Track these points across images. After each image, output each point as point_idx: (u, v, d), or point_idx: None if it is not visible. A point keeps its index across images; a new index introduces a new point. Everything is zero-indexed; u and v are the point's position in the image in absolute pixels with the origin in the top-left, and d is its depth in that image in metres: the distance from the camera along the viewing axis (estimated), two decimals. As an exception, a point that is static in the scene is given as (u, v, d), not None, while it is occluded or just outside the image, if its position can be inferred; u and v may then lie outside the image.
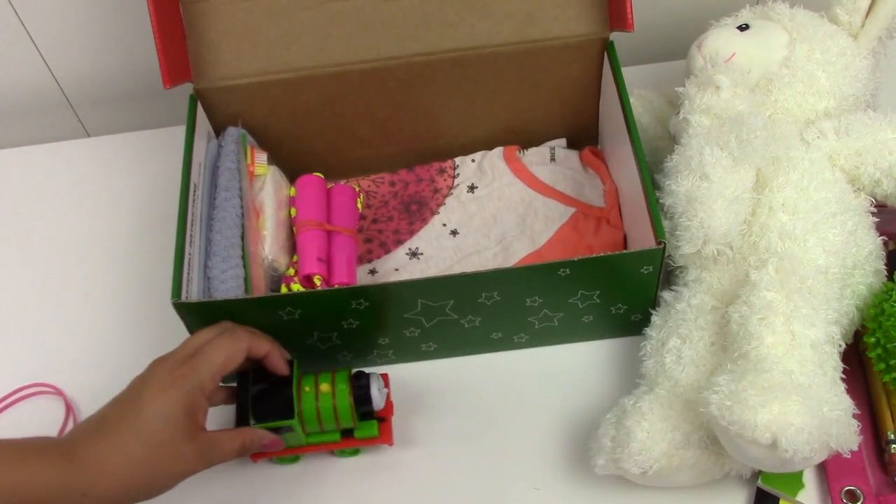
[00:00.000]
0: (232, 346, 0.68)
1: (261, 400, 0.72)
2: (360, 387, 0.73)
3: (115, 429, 0.63)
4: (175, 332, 0.77)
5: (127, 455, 0.63)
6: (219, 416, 0.75)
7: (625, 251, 0.78)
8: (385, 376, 0.78)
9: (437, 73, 0.87)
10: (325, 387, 0.73)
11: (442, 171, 0.94)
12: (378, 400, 0.74)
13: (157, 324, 0.87)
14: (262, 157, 0.87)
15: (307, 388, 0.73)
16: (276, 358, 0.72)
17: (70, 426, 0.83)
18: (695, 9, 0.98)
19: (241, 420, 0.72)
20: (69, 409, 0.83)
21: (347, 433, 0.76)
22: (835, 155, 0.76)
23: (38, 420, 0.83)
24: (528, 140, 0.94)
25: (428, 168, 0.95)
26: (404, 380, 0.82)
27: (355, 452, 0.78)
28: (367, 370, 0.75)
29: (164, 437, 0.63)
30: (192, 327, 0.75)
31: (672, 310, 0.77)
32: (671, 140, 0.80)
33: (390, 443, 0.76)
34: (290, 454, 0.77)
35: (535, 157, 0.93)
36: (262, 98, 0.87)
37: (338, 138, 0.92)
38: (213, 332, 0.70)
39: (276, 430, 0.72)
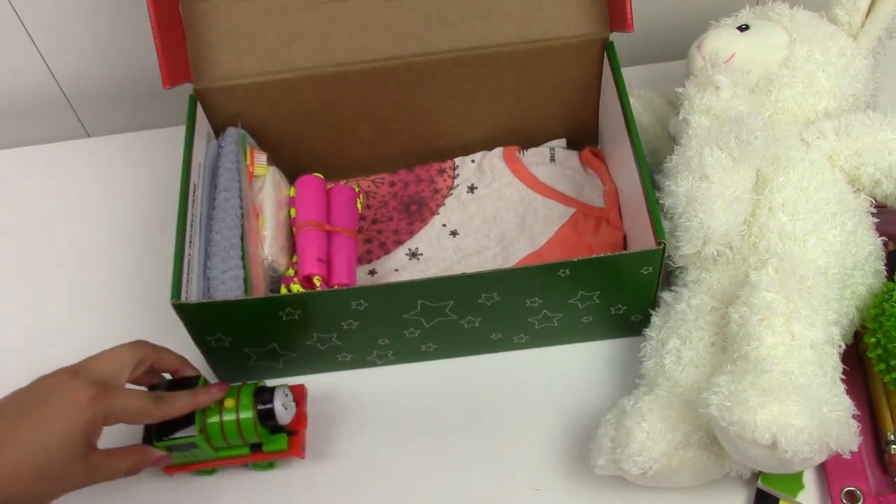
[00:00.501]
0: (135, 356, 0.70)
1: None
2: (264, 402, 0.73)
3: (12, 435, 0.63)
4: (175, 333, 0.77)
5: (19, 464, 0.62)
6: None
7: (625, 252, 0.78)
8: (299, 388, 0.77)
9: (437, 73, 0.87)
10: (228, 402, 0.73)
11: (442, 171, 0.94)
12: (283, 415, 0.73)
13: (157, 324, 0.87)
14: (261, 157, 0.87)
15: (211, 405, 0.73)
16: (184, 372, 0.74)
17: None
18: (695, 9, 0.98)
19: (147, 435, 0.72)
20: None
21: (258, 446, 0.75)
22: (835, 155, 0.76)
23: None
24: (528, 140, 0.94)
25: (428, 168, 0.95)
26: (405, 380, 0.82)
27: (270, 466, 0.78)
28: (272, 383, 0.75)
29: (59, 454, 0.63)
30: (191, 328, 0.75)
31: (672, 310, 0.77)
32: (671, 140, 0.80)
33: (301, 456, 0.76)
34: (204, 467, 0.76)
35: (534, 158, 0.93)
36: (262, 98, 0.87)
37: (338, 138, 0.92)
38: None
39: (182, 446, 0.72)
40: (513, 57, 0.86)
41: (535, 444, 0.78)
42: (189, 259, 0.75)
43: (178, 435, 0.71)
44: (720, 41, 0.80)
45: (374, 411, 0.81)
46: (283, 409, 0.73)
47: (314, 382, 0.83)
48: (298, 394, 0.77)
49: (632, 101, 0.83)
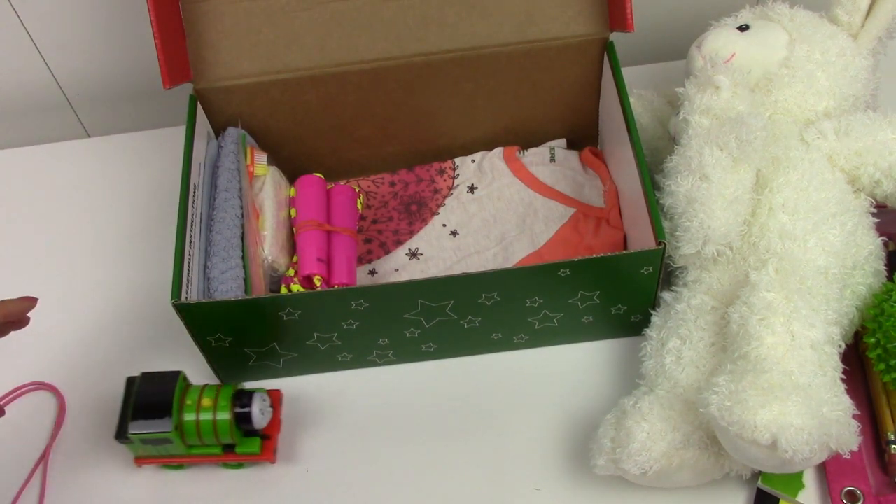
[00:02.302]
0: None
1: (141, 408, 0.73)
2: (242, 405, 0.73)
3: None
4: (175, 333, 0.77)
5: None
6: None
7: (625, 252, 0.78)
8: (276, 393, 0.78)
9: (437, 73, 0.87)
10: (206, 402, 0.73)
11: (442, 171, 0.94)
12: (259, 420, 0.74)
13: (157, 324, 0.87)
14: (261, 157, 0.87)
15: (189, 402, 0.73)
16: (13, 308, 0.70)
17: (65, 425, 0.83)
18: (695, 9, 0.98)
19: (121, 425, 0.73)
20: (63, 407, 0.83)
21: (230, 447, 0.76)
22: (835, 155, 0.76)
23: (33, 418, 0.83)
24: (528, 140, 0.94)
25: (428, 168, 0.95)
26: (405, 380, 0.82)
27: (240, 466, 0.78)
28: (250, 388, 0.75)
29: None
30: (191, 328, 0.75)
31: (672, 310, 0.77)
32: (671, 140, 0.80)
33: (272, 460, 0.76)
34: (173, 462, 0.77)
35: (534, 158, 0.93)
36: (262, 98, 0.87)
37: (338, 138, 0.92)
38: None
39: (156, 440, 0.72)
40: (513, 57, 0.86)
41: (535, 444, 0.78)
42: (189, 259, 0.75)
43: (152, 430, 0.72)
44: (720, 41, 0.80)
45: (373, 411, 0.81)
46: (259, 414, 0.74)
47: (314, 382, 0.83)
48: (274, 399, 0.78)
49: (632, 101, 0.83)
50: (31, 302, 0.70)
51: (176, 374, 0.74)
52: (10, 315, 0.69)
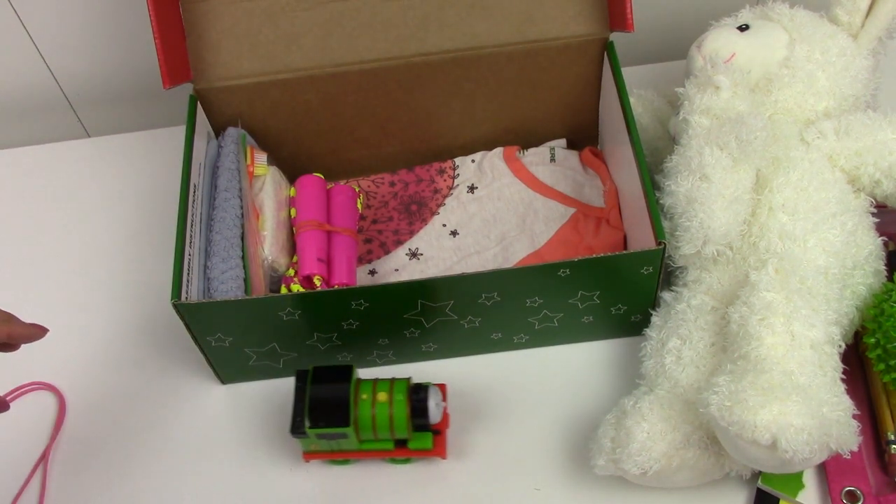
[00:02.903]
0: None
1: (317, 404, 0.72)
2: (419, 400, 0.72)
3: None
4: (175, 333, 0.77)
5: None
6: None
7: (625, 252, 0.78)
8: (443, 387, 0.76)
9: (437, 73, 0.87)
10: (382, 396, 0.72)
11: (442, 171, 0.94)
12: (435, 413, 0.73)
13: (157, 324, 0.87)
14: (261, 157, 0.87)
15: (364, 396, 0.72)
16: (20, 332, 0.67)
17: (65, 424, 0.83)
18: (695, 9, 0.98)
19: (296, 423, 0.72)
20: (63, 407, 0.83)
21: (401, 442, 0.75)
22: (835, 155, 0.76)
23: (33, 418, 0.83)
24: (528, 140, 0.94)
25: (428, 168, 0.95)
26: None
27: (407, 461, 0.78)
28: (424, 382, 0.74)
29: None
30: (191, 328, 0.75)
31: (672, 310, 0.77)
32: (671, 140, 0.80)
33: (444, 456, 0.76)
34: (342, 457, 0.76)
35: (534, 158, 0.93)
36: (262, 98, 0.87)
37: (338, 138, 0.92)
38: None
39: (332, 435, 0.72)
40: (513, 57, 0.86)
41: (535, 444, 0.78)
42: (189, 259, 0.75)
43: (331, 424, 0.71)
44: (720, 41, 0.80)
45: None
46: (435, 408, 0.73)
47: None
48: (442, 393, 0.77)
49: (632, 101, 0.83)
50: (40, 331, 0.68)
51: (349, 368, 0.73)
52: (14, 337, 0.67)
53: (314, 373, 0.73)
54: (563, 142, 0.95)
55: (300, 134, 0.91)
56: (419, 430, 0.74)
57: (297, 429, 0.72)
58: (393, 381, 0.73)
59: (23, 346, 0.88)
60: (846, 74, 0.79)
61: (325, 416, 0.71)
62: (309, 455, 0.76)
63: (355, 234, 0.87)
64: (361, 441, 0.74)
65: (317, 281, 0.82)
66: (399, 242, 0.90)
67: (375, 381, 0.73)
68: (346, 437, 0.72)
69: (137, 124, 1.05)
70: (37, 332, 0.68)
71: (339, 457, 0.76)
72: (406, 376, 0.74)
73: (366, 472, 0.78)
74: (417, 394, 0.73)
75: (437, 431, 0.75)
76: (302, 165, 0.91)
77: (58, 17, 0.97)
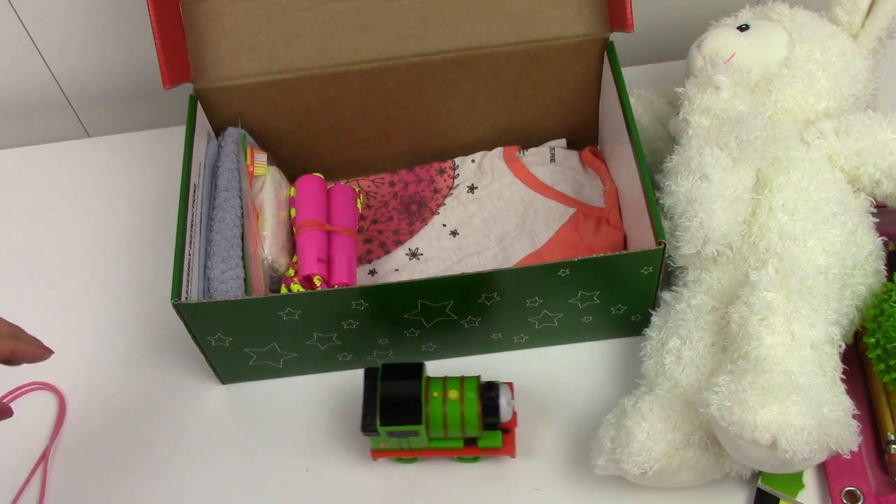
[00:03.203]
0: None
1: (389, 402, 0.71)
2: (490, 398, 0.72)
3: None
4: (175, 333, 0.77)
5: None
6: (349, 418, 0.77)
7: (625, 252, 0.78)
8: (510, 385, 0.76)
9: (437, 73, 0.87)
10: (453, 394, 0.72)
11: (442, 171, 0.94)
12: (506, 411, 0.73)
13: (157, 324, 0.87)
14: (261, 157, 0.87)
15: (435, 394, 0.72)
16: (25, 350, 0.65)
17: (64, 424, 0.83)
18: (695, 9, 0.98)
19: (367, 418, 0.71)
20: (63, 407, 0.83)
21: (470, 441, 0.75)
22: (835, 155, 0.76)
23: (33, 418, 0.83)
24: (528, 140, 0.94)
25: (428, 168, 0.95)
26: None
27: (475, 460, 0.77)
28: (493, 381, 0.74)
29: None
30: (191, 328, 0.75)
31: (672, 310, 0.77)
32: (671, 140, 0.80)
33: (513, 455, 0.75)
34: (409, 455, 0.76)
35: (534, 158, 0.93)
36: (262, 98, 0.87)
37: (338, 138, 0.92)
38: None
39: (403, 432, 0.72)
40: (513, 57, 0.86)
41: (536, 444, 0.78)
42: (189, 259, 0.75)
43: (403, 422, 0.71)
44: (720, 41, 0.80)
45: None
46: (506, 406, 0.73)
47: (314, 382, 0.83)
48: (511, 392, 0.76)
49: (632, 100, 0.83)
50: (46, 353, 0.66)
51: (419, 366, 0.73)
52: (18, 355, 0.65)
53: (384, 370, 0.73)
54: (563, 142, 0.95)
55: (300, 134, 0.91)
56: (488, 428, 0.74)
57: (367, 426, 0.71)
58: (462, 378, 0.73)
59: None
60: (846, 74, 0.79)
61: (398, 413, 0.71)
62: (377, 453, 0.75)
63: (355, 234, 0.87)
64: (431, 439, 0.74)
65: (317, 281, 0.82)
66: (399, 242, 0.90)
67: (445, 379, 0.73)
68: (417, 434, 0.72)
69: (137, 124, 1.05)
70: (42, 353, 0.66)
71: (406, 455, 0.75)
72: (476, 374, 0.74)
73: (431, 470, 0.77)
74: (489, 392, 0.72)
75: (506, 430, 0.75)
76: (302, 165, 0.91)
77: (58, 17, 0.97)
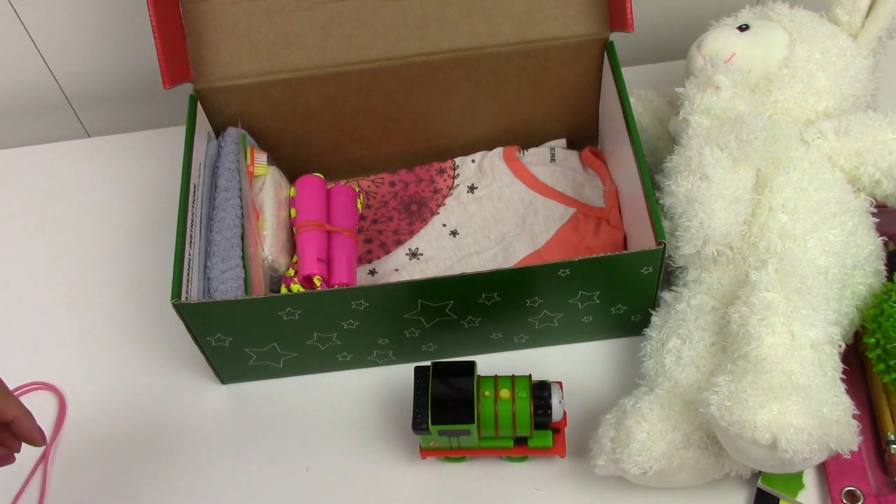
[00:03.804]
0: None
1: (441, 400, 0.71)
2: (542, 397, 0.72)
3: None
4: (175, 333, 0.77)
5: None
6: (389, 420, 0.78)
7: (625, 252, 0.78)
8: (560, 385, 0.75)
9: (437, 73, 0.87)
10: (505, 393, 0.72)
11: (442, 171, 0.94)
12: (558, 411, 0.73)
13: (157, 324, 0.87)
14: (261, 157, 0.87)
15: (486, 393, 0.72)
16: (23, 423, 0.67)
17: (64, 424, 0.83)
18: (695, 9, 0.98)
19: (418, 416, 0.71)
20: (63, 407, 0.83)
21: (520, 440, 0.74)
22: (835, 155, 0.76)
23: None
24: (528, 140, 0.94)
25: (428, 168, 0.95)
26: (405, 380, 0.82)
27: (523, 459, 0.77)
28: (545, 380, 0.74)
29: None
30: (191, 328, 0.75)
31: (672, 310, 0.77)
32: (671, 140, 0.80)
33: (563, 454, 0.75)
34: (458, 455, 0.76)
35: (534, 158, 0.93)
36: (262, 98, 0.87)
37: (338, 138, 0.92)
38: None
39: (455, 431, 0.71)
40: (513, 57, 0.86)
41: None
42: (189, 259, 0.75)
43: (455, 421, 0.70)
44: (720, 41, 0.80)
45: (373, 410, 0.81)
46: (558, 406, 0.73)
47: (314, 382, 0.83)
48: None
49: (632, 100, 0.83)
50: (42, 441, 0.67)
51: (471, 364, 0.73)
52: (17, 426, 0.66)
53: (435, 369, 0.72)
54: (563, 142, 0.95)
55: (300, 134, 0.91)
56: (539, 427, 0.74)
57: (419, 425, 0.71)
58: (514, 377, 0.73)
59: (23, 344, 0.88)
60: (846, 74, 0.79)
61: (450, 412, 0.71)
62: (426, 452, 0.75)
63: (355, 234, 0.87)
64: (482, 438, 0.74)
65: (317, 281, 0.82)
66: (399, 242, 0.90)
67: (496, 378, 0.73)
68: (468, 433, 0.72)
69: (137, 124, 1.05)
70: (40, 439, 0.67)
71: (454, 454, 0.75)
72: (526, 373, 0.74)
73: (478, 470, 0.77)
74: (541, 391, 0.72)
75: (557, 430, 0.75)
76: (302, 165, 0.91)
77: (58, 17, 0.97)
